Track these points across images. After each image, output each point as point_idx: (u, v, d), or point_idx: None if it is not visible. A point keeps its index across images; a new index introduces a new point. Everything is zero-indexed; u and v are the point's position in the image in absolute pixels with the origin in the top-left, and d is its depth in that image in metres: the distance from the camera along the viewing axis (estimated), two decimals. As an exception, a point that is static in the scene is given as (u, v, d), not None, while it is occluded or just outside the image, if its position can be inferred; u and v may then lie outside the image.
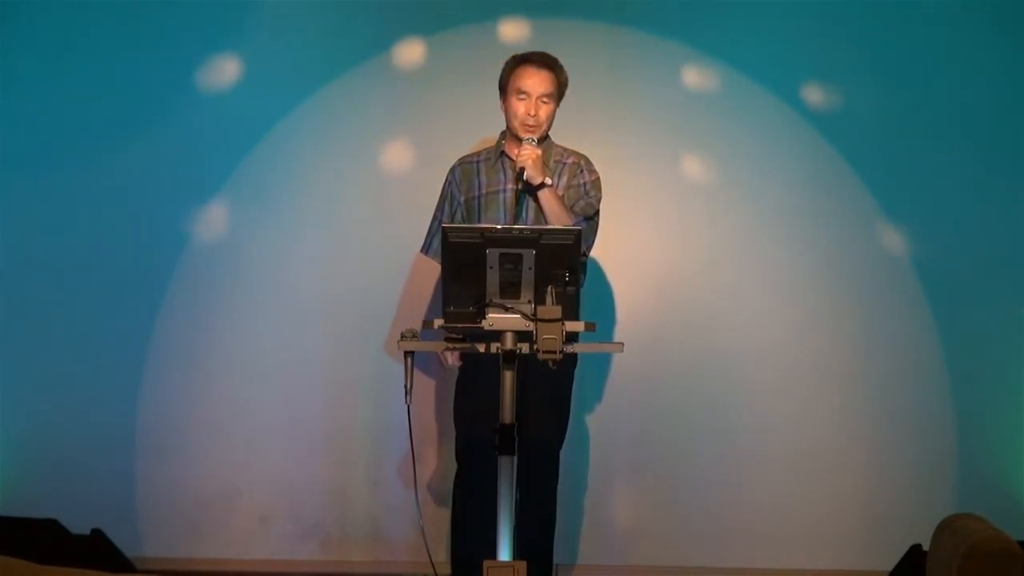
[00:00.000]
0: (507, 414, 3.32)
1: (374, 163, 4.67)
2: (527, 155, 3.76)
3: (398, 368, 3.52)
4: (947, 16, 4.61)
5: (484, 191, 3.96)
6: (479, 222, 3.91)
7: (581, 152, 4.02)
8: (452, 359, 3.92)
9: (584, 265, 3.93)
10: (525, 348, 3.30)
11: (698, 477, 4.62)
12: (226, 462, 4.61)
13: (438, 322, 3.39)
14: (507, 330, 3.29)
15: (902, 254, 4.63)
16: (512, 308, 3.27)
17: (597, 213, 3.95)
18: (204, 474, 4.60)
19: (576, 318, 3.34)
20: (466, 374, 3.98)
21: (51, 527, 4.33)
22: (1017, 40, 4.60)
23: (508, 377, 3.32)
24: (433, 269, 4.13)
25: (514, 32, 4.55)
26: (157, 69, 4.62)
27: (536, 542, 3.89)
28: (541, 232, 3.30)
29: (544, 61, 3.89)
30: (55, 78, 4.61)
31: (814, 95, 4.63)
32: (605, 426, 4.63)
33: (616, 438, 4.64)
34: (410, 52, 4.66)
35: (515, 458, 3.33)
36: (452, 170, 4.05)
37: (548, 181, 3.81)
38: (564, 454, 4.03)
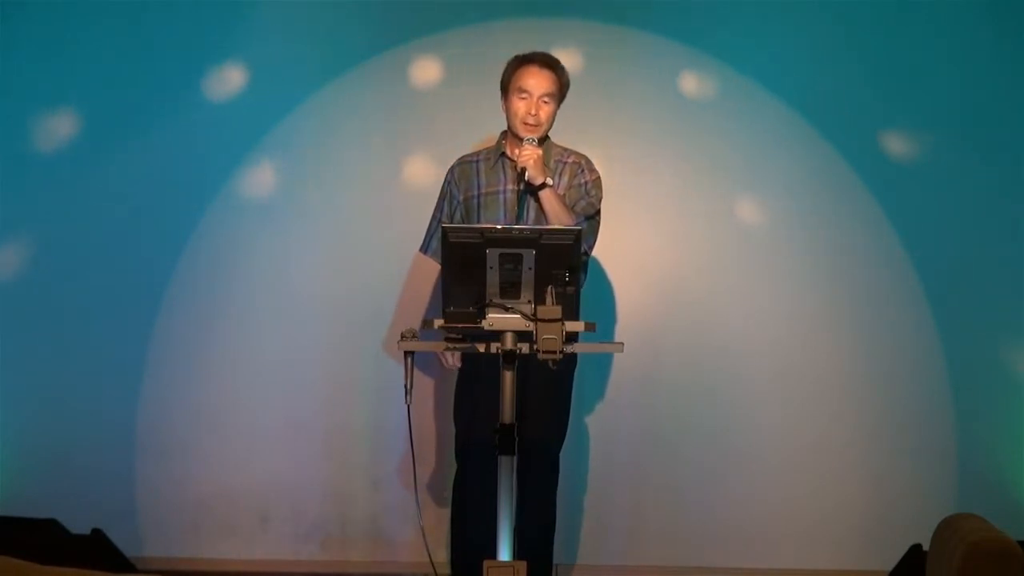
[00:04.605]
0: (507, 414, 3.32)
1: (374, 163, 4.67)
2: (528, 155, 3.76)
3: (398, 368, 3.52)
4: (947, 16, 4.60)
5: (483, 191, 3.96)
6: (478, 222, 3.91)
7: (581, 152, 4.02)
8: (452, 360, 3.92)
9: (585, 264, 3.94)
10: (525, 348, 3.30)
11: (698, 477, 4.62)
12: (226, 462, 4.61)
13: (438, 322, 3.39)
14: (507, 330, 3.29)
15: (902, 254, 4.62)
16: (512, 308, 3.27)
17: (598, 212, 3.95)
18: (204, 474, 4.60)
19: (576, 318, 3.35)
20: (466, 374, 3.98)
21: (51, 527, 4.33)
22: (1017, 39, 4.60)
23: (508, 377, 3.32)
24: (433, 269, 4.13)
25: (514, 32, 4.54)
26: (157, 69, 4.62)
27: (536, 542, 3.89)
28: (541, 232, 3.30)
29: (546, 61, 3.90)
30: (55, 78, 4.61)
31: (814, 95, 4.63)
32: (605, 426, 4.63)
33: (616, 438, 4.64)
34: (410, 53, 4.66)
35: (515, 458, 3.33)
36: (451, 169, 4.05)
37: (549, 181, 3.81)
38: (564, 454, 4.03)
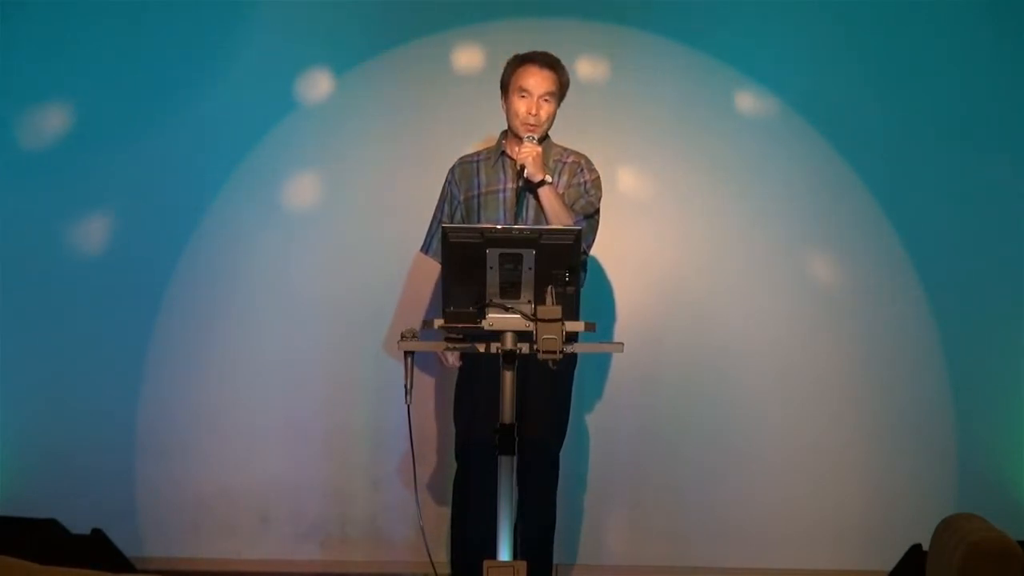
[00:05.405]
0: (507, 414, 3.32)
1: (374, 163, 4.67)
2: (528, 152, 3.77)
3: (398, 368, 3.52)
4: (947, 16, 4.60)
5: (483, 190, 3.97)
6: (478, 221, 3.92)
7: (581, 152, 4.02)
8: (452, 359, 3.92)
9: (584, 264, 3.94)
10: (525, 348, 3.30)
11: (698, 477, 4.62)
12: (226, 462, 4.61)
13: (438, 322, 3.39)
14: (507, 330, 3.29)
15: (902, 254, 4.62)
16: (512, 308, 3.28)
17: (597, 212, 3.96)
18: (204, 474, 4.60)
19: (576, 318, 3.35)
20: (466, 374, 3.98)
21: (51, 527, 4.33)
22: (1017, 39, 4.60)
23: (508, 377, 3.32)
24: (433, 269, 4.13)
25: (514, 32, 4.53)
26: (157, 69, 4.61)
27: (536, 542, 3.90)
28: (541, 232, 3.31)
29: (547, 61, 3.90)
30: (55, 78, 4.61)
31: (814, 95, 4.63)
32: (605, 426, 4.63)
33: (616, 438, 4.64)
34: (410, 53, 4.65)
35: (515, 458, 3.33)
36: (452, 169, 4.06)
37: (548, 179, 3.82)
38: (564, 454, 4.03)
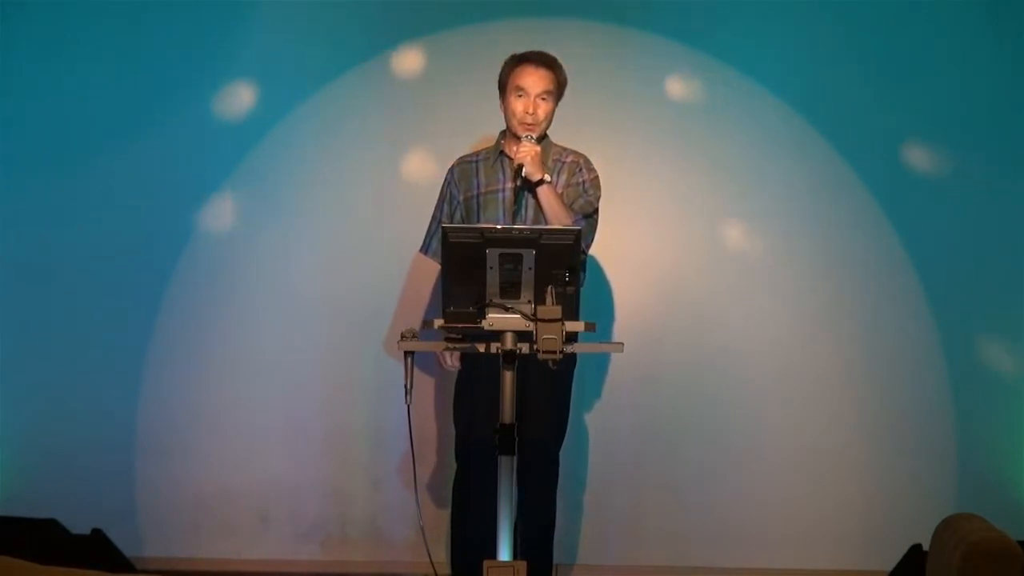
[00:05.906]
0: (507, 414, 3.32)
1: (374, 163, 4.67)
2: (526, 151, 3.76)
3: (398, 368, 3.52)
4: (947, 16, 4.60)
5: (483, 190, 3.97)
6: (478, 221, 3.91)
7: (580, 152, 4.02)
8: (452, 361, 3.92)
9: (584, 263, 3.94)
10: (525, 348, 3.30)
11: (698, 477, 4.62)
12: (226, 462, 4.61)
13: (438, 322, 3.39)
14: (507, 330, 3.29)
15: (902, 254, 4.62)
16: (512, 308, 3.28)
17: (596, 211, 3.96)
18: (204, 474, 4.60)
19: (576, 318, 3.35)
20: (466, 374, 3.98)
21: (51, 527, 4.33)
22: (1017, 39, 4.60)
23: (508, 377, 3.32)
24: (433, 269, 4.13)
25: (514, 32, 4.53)
26: (157, 69, 4.61)
27: (536, 542, 3.90)
28: (541, 232, 3.31)
29: (543, 60, 3.90)
30: (55, 78, 4.61)
31: (814, 95, 4.63)
32: (605, 425, 4.63)
33: (616, 437, 4.64)
34: (410, 53, 4.66)
35: (515, 458, 3.33)
36: (451, 169, 4.06)
37: (547, 178, 3.82)
38: (564, 454, 4.02)
